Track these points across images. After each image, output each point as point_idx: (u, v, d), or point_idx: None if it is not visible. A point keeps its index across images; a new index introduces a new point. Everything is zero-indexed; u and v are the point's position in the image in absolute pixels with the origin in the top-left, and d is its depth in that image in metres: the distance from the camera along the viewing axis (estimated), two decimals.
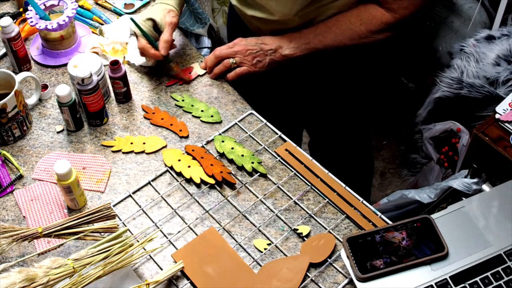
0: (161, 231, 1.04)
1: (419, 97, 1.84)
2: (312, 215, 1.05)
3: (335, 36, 1.20)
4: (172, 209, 1.07)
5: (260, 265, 0.98)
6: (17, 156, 1.17)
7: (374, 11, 1.18)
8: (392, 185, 2.17)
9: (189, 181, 1.11)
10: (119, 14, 1.47)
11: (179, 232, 1.04)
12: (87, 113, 1.19)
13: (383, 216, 1.04)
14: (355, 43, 1.20)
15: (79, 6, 1.46)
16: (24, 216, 1.07)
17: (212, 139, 1.18)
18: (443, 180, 1.53)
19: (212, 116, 1.22)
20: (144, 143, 1.18)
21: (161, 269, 0.98)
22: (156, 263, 0.99)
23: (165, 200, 1.08)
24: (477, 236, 0.95)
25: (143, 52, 1.26)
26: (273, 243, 1.01)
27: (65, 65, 1.30)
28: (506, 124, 1.20)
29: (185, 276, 0.97)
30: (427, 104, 1.77)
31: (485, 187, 1.30)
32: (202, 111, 1.23)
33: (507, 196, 0.99)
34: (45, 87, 1.27)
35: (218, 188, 1.10)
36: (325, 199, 1.08)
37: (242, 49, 1.24)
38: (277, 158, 1.15)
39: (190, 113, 1.23)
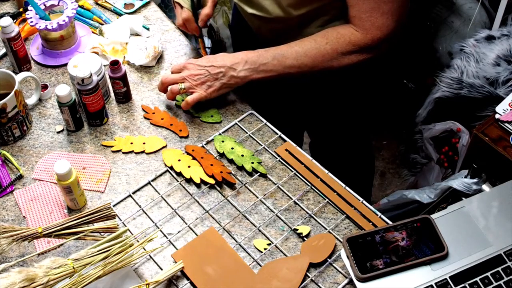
0: (161, 231, 1.04)
1: (419, 97, 1.84)
2: (312, 215, 1.05)
3: (296, 56, 1.13)
4: (172, 209, 1.07)
5: (260, 265, 0.98)
6: (17, 156, 1.17)
7: (342, 30, 1.12)
8: (392, 185, 2.17)
9: (189, 181, 1.11)
10: (119, 14, 1.47)
11: (179, 232, 1.04)
12: (87, 113, 1.19)
13: (383, 216, 1.04)
14: (319, 66, 1.14)
15: (79, 6, 1.46)
16: (24, 216, 1.07)
17: (212, 139, 1.18)
18: (443, 180, 1.53)
19: (212, 116, 1.22)
20: (144, 143, 1.18)
21: (161, 269, 0.98)
22: (156, 263, 0.99)
23: (165, 200, 1.08)
24: (477, 236, 0.95)
25: (184, 25, 1.29)
26: (273, 243, 1.01)
27: (65, 65, 1.30)
28: (506, 124, 1.20)
29: (185, 276, 0.97)
30: (427, 104, 1.77)
31: (485, 187, 1.30)
32: (202, 111, 1.23)
33: (507, 196, 0.99)
34: (45, 87, 1.27)
35: (218, 188, 1.10)
36: (325, 199, 1.08)
37: (190, 74, 1.18)
38: (277, 158, 1.15)
39: (190, 113, 1.23)
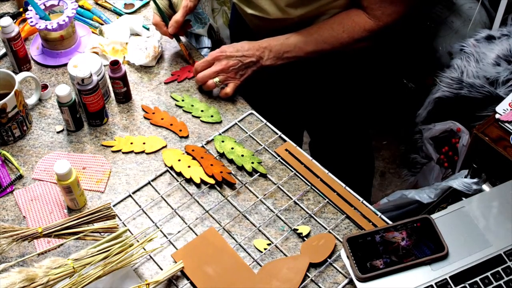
0: (161, 231, 1.04)
1: (419, 97, 1.84)
2: (312, 215, 1.05)
3: (316, 43, 1.19)
4: (172, 209, 1.07)
5: (260, 265, 0.98)
6: (17, 156, 1.17)
7: (357, 18, 1.16)
8: (392, 185, 2.17)
9: (189, 181, 1.11)
10: (119, 14, 1.47)
11: (179, 232, 1.04)
12: (87, 113, 1.19)
13: (383, 216, 1.04)
14: (336, 50, 1.20)
15: (79, 6, 1.46)
16: (24, 216, 1.07)
17: (212, 139, 1.18)
18: (443, 180, 1.53)
19: (212, 116, 1.22)
20: (144, 143, 1.18)
21: (161, 269, 0.98)
22: (156, 263, 0.99)
23: (165, 200, 1.08)
24: (477, 236, 0.95)
25: (156, 28, 1.32)
26: (273, 243, 1.01)
27: (65, 65, 1.30)
28: (506, 124, 1.20)
29: (185, 276, 0.97)
30: (427, 104, 1.77)
31: (485, 187, 1.30)
32: (202, 111, 1.23)
33: (507, 196, 0.99)
34: (45, 87, 1.27)
35: (218, 188, 1.10)
36: (325, 199, 1.08)
37: (224, 67, 1.22)
38: (277, 158, 1.15)
39: (190, 113, 1.23)
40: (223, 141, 1.16)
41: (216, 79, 1.23)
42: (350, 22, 1.17)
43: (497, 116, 1.22)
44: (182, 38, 1.35)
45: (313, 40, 1.19)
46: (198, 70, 1.25)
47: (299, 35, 1.20)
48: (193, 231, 1.03)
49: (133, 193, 1.10)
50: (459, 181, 1.35)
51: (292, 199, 1.08)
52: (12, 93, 1.12)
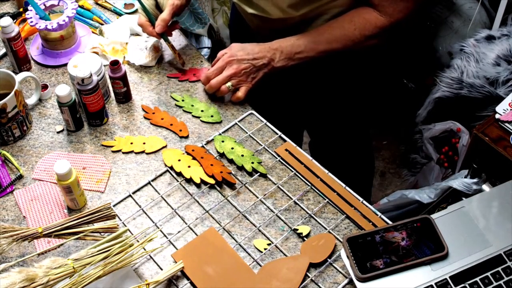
0: (161, 231, 1.04)
1: (419, 97, 1.84)
2: (312, 215, 1.05)
3: (328, 42, 1.19)
4: (172, 209, 1.07)
5: (260, 265, 0.98)
6: (17, 156, 1.17)
7: (367, 16, 1.16)
8: (392, 185, 2.17)
9: (189, 181, 1.11)
10: (119, 14, 1.47)
11: (179, 232, 1.04)
12: (87, 113, 1.19)
13: (383, 216, 1.04)
14: (347, 48, 1.20)
15: (79, 6, 1.46)
16: (24, 216, 1.07)
17: (212, 139, 1.18)
18: (443, 180, 1.53)
19: (212, 116, 1.22)
20: (144, 143, 1.18)
21: (161, 269, 0.98)
22: (156, 263, 0.99)
23: (165, 200, 1.08)
24: (477, 236, 0.95)
25: (142, 29, 1.30)
26: (273, 243, 1.01)
27: (65, 65, 1.30)
28: (506, 124, 1.20)
29: (185, 276, 0.97)
30: (427, 104, 1.77)
31: (485, 187, 1.30)
32: (202, 111, 1.23)
33: (507, 196, 0.99)
34: (45, 87, 1.27)
35: (218, 188, 1.10)
36: (325, 199, 1.08)
37: (236, 71, 1.21)
38: (277, 158, 1.15)
39: (190, 113, 1.23)
40: (223, 141, 1.16)
41: (229, 84, 1.21)
42: (361, 19, 1.16)
43: (497, 116, 1.22)
44: (171, 38, 1.33)
45: (324, 40, 1.19)
46: (212, 77, 1.23)
47: (310, 35, 1.20)
48: (193, 231, 1.03)
49: (133, 193, 1.10)
50: (459, 181, 1.35)
51: (292, 199, 1.08)
52: (12, 93, 1.13)
